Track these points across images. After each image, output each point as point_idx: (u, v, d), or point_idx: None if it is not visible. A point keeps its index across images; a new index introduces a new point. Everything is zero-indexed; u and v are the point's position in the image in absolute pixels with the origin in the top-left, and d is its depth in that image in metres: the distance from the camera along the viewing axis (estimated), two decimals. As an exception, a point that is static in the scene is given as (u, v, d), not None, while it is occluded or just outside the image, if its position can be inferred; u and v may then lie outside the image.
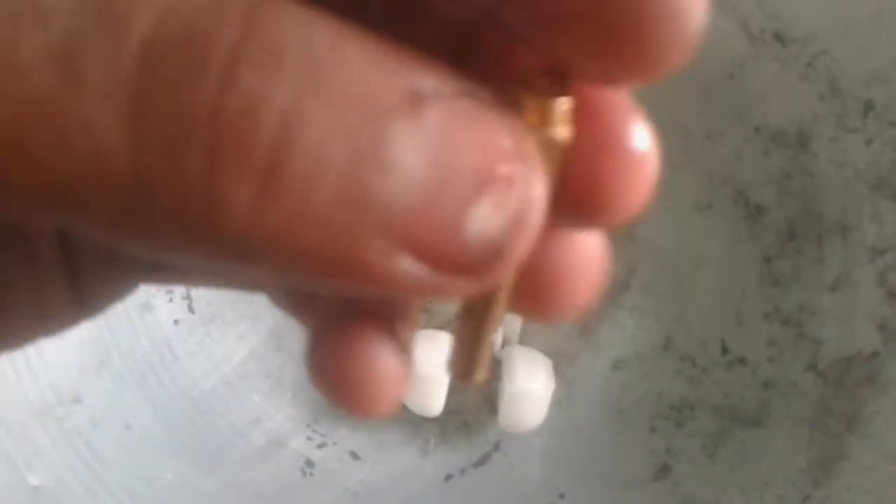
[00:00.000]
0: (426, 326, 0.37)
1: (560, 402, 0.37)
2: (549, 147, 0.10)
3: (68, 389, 0.33)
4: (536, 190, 0.09)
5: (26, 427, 0.32)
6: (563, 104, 0.10)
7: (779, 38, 0.39)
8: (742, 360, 0.37)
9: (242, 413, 0.37)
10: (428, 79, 0.08)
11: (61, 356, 0.33)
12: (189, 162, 0.07)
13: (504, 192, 0.08)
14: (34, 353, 0.32)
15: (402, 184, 0.08)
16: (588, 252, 0.11)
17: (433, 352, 0.35)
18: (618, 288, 0.38)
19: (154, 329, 0.36)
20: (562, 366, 0.37)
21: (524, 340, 0.37)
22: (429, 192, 0.08)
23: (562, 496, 0.36)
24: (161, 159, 0.07)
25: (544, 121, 0.10)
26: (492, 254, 0.09)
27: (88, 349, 0.34)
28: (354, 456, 0.37)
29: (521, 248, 0.09)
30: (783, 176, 0.39)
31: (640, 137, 0.10)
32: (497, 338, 0.37)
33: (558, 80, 0.10)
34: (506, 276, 0.09)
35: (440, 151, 0.08)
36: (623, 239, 0.39)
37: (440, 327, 0.37)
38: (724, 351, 0.37)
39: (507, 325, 0.37)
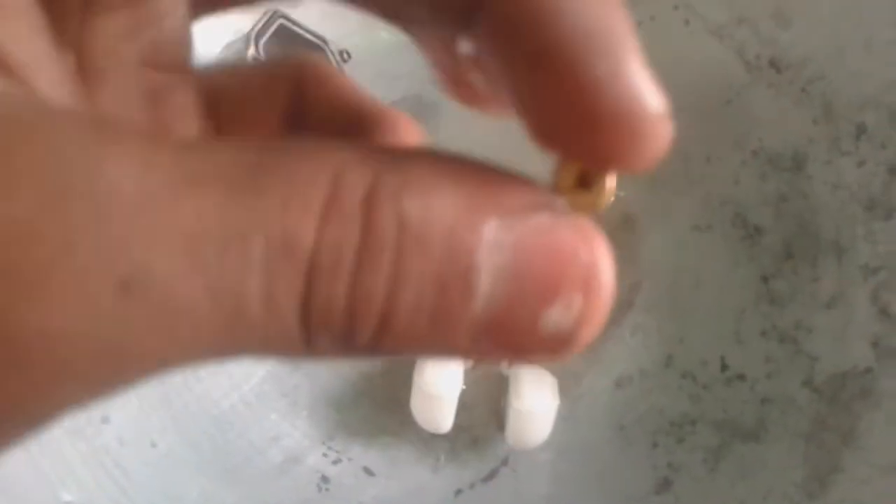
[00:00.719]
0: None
1: (566, 418, 0.38)
2: (600, 210, 0.11)
3: (97, 410, 0.35)
4: (602, 289, 0.10)
5: (59, 446, 0.33)
6: (608, 183, 0.11)
7: (774, 64, 0.40)
8: (741, 377, 0.38)
9: (261, 431, 0.38)
10: (506, 204, 0.10)
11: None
12: (335, 332, 0.10)
13: (573, 297, 0.10)
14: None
15: (483, 302, 0.10)
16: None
17: (441, 370, 0.36)
18: (621, 307, 0.40)
19: (176, 351, 0.38)
20: (567, 383, 0.38)
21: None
22: (506, 305, 0.10)
23: (568, 510, 0.37)
24: (321, 335, 0.10)
25: (597, 200, 0.11)
26: (564, 343, 0.10)
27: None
28: (368, 472, 0.38)
29: (591, 334, 0.10)
30: (779, 198, 0.40)
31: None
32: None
33: (595, 173, 0.11)
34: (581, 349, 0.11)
35: (515, 270, 0.10)
36: (625, 260, 0.40)
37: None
38: (724, 368, 0.38)
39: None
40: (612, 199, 0.11)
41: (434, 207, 0.10)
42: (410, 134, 0.18)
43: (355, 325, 0.10)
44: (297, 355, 0.10)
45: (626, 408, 0.38)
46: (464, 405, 0.37)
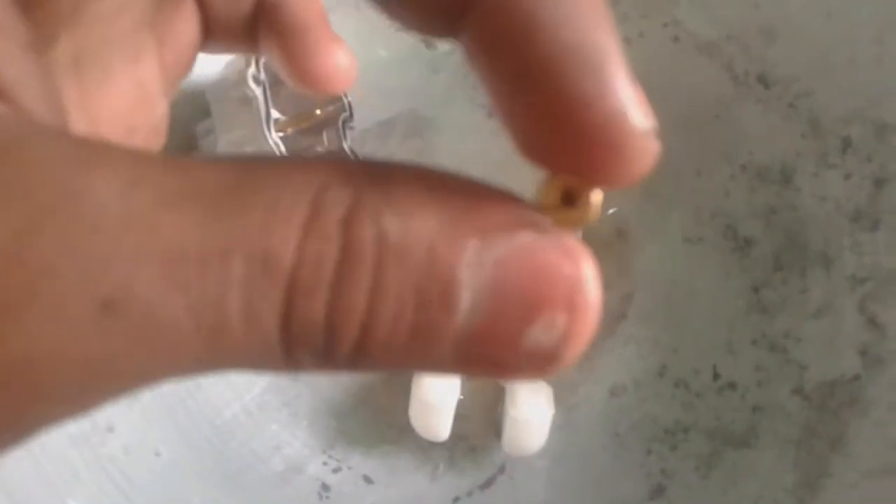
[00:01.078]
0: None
1: (561, 427, 0.38)
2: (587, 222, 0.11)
3: (102, 419, 0.35)
4: (588, 307, 0.10)
5: (65, 454, 0.33)
6: (593, 198, 0.11)
7: (762, 80, 0.41)
8: (732, 385, 0.39)
9: (262, 440, 0.38)
10: (489, 221, 0.10)
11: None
12: (316, 346, 0.10)
13: (556, 315, 0.10)
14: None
15: (464, 318, 0.10)
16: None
17: (440, 381, 0.37)
18: (615, 318, 0.40)
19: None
20: (563, 392, 0.39)
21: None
22: (488, 321, 0.10)
23: (564, 516, 0.38)
24: (302, 349, 0.10)
25: (582, 216, 0.11)
26: (547, 360, 0.10)
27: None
28: (368, 480, 0.39)
29: (576, 352, 0.10)
30: (768, 210, 0.40)
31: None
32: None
33: (581, 189, 0.11)
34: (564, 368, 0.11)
35: (497, 287, 0.10)
36: (618, 272, 0.41)
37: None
38: (716, 376, 0.39)
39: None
40: (599, 214, 0.11)
41: (414, 224, 0.10)
42: (341, 56, 0.19)
43: (335, 339, 0.10)
44: (279, 369, 0.10)
45: (621, 416, 0.39)
46: (461, 414, 0.37)
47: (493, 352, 0.10)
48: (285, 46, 0.19)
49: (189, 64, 0.19)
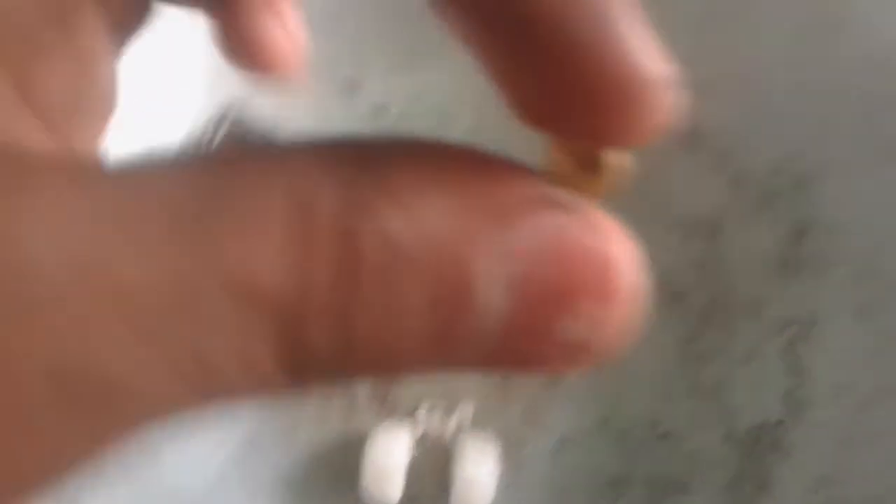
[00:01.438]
0: (386, 417, 0.41)
1: (508, 485, 0.40)
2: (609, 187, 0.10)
3: (66, 493, 0.37)
4: (621, 290, 0.09)
5: None
6: (614, 161, 0.10)
7: (691, 134, 0.43)
8: (670, 434, 0.40)
9: (222, 511, 0.40)
10: (503, 204, 0.09)
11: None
12: (326, 371, 0.09)
13: (584, 304, 0.09)
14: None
15: (488, 318, 0.09)
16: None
17: (391, 442, 0.38)
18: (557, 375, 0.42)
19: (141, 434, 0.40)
20: (509, 449, 0.40)
21: (475, 425, 0.41)
22: (514, 318, 0.09)
23: (513, 570, 0.39)
24: (308, 374, 0.09)
25: (604, 183, 0.10)
26: (579, 351, 0.09)
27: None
28: (324, 545, 0.40)
29: (609, 343, 0.09)
30: (699, 262, 0.42)
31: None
32: (450, 425, 0.41)
33: (596, 152, 0.10)
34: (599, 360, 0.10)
35: (521, 280, 0.09)
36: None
37: (400, 419, 0.41)
38: (654, 426, 0.41)
39: (459, 412, 0.41)
40: (627, 178, 0.10)
41: (422, 219, 0.08)
42: (289, 25, 0.15)
43: (346, 363, 0.09)
44: (285, 393, 0.09)
45: (565, 470, 0.40)
46: (412, 475, 0.39)
47: (521, 348, 0.09)
48: (219, 4, 0.15)
49: (146, 10, 0.15)
